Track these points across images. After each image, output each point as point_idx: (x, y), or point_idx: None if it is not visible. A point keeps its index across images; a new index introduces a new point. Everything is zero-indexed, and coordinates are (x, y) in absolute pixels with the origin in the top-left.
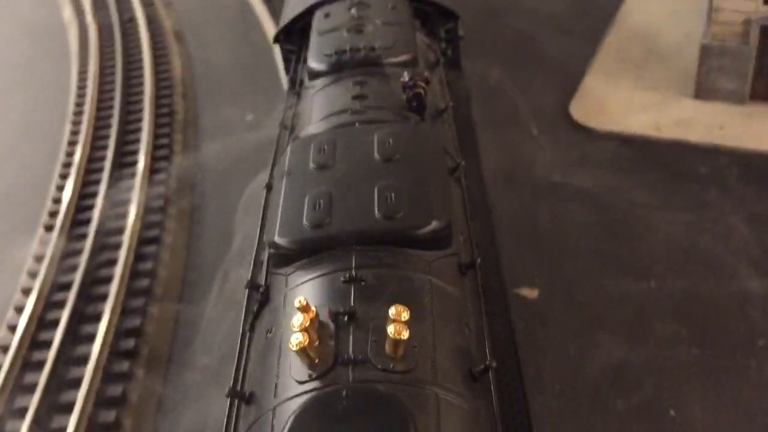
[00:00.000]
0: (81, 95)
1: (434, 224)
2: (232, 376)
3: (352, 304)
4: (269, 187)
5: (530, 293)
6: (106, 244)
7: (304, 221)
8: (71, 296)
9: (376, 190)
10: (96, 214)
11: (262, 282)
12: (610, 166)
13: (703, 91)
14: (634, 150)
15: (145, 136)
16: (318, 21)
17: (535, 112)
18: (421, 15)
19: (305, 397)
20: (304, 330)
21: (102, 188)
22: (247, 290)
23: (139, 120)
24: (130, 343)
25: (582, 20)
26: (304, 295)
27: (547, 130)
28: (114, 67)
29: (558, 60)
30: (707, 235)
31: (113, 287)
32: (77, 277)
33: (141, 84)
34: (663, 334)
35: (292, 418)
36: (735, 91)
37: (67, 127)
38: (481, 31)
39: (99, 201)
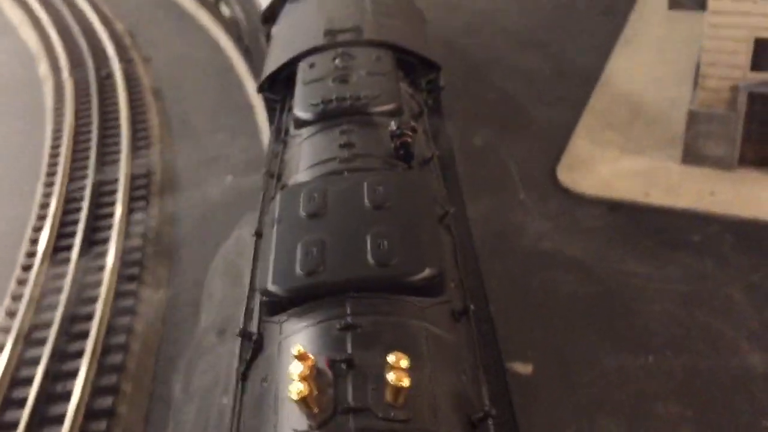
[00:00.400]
0: (55, 154)
1: (427, 271)
2: (228, 426)
3: (349, 351)
4: (258, 235)
5: (524, 368)
6: (76, 315)
7: (298, 269)
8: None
9: (368, 237)
10: (66, 283)
11: (254, 330)
12: (601, 233)
13: (691, 156)
14: (624, 216)
15: (120, 196)
16: (303, 71)
17: (522, 175)
18: (403, 66)
19: None
20: (303, 379)
21: (73, 260)
22: (239, 338)
23: (115, 180)
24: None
25: (564, 82)
26: (299, 342)
27: (535, 195)
28: (90, 124)
29: (542, 122)
30: (705, 308)
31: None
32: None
33: (117, 143)
34: (666, 415)
35: None
36: (723, 156)
37: (39, 188)
38: (464, 93)
39: (68, 276)
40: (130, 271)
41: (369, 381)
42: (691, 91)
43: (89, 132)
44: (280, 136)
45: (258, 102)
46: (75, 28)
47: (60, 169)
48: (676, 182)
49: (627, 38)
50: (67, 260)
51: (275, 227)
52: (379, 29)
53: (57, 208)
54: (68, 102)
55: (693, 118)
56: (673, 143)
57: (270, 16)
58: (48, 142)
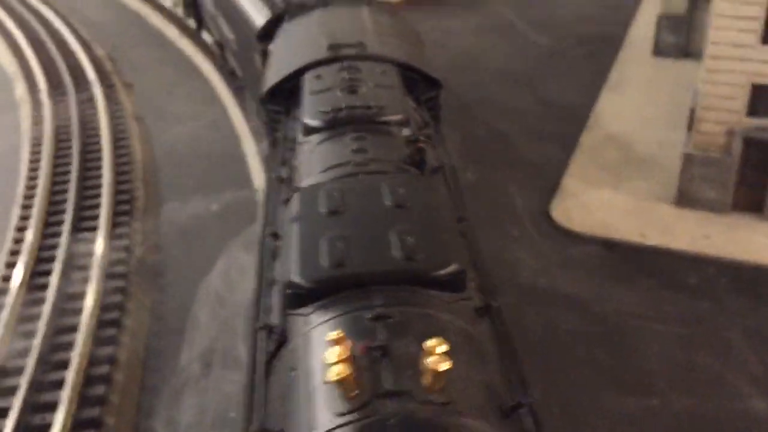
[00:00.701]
0: (33, 177)
1: (452, 266)
2: (254, 415)
3: (382, 339)
4: (274, 235)
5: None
6: (50, 360)
7: (323, 261)
8: None
9: (392, 233)
10: (46, 309)
11: (275, 322)
12: (597, 272)
13: (684, 199)
14: (619, 256)
15: (103, 222)
16: (309, 82)
17: (515, 213)
18: (406, 82)
19: (347, 429)
20: (341, 362)
21: (54, 279)
22: (259, 332)
23: (97, 206)
24: None
25: (553, 120)
26: (329, 333)
27: (529, 233)
28: (70, 148)
29: (533, 160)
30: (705, 351)
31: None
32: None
33: (99, 167)
34: None
35: None
36: (717, 200)
37: (15, 211)
38: (454, 130)
39: (50, 295)
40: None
41: (406, 367)
42: (679, 134)
43: (69, 156)
44: (286, 143)
45: (244, 132)
46: (53, 51)
47: (39, 192)
48: (670, 224)
49: (613, 81)
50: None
51: (296, 224)
52: (382, 46)
53: (38, 227)
54: (47, 124)
55: (688, 161)
56: (664, 185)
57: (266, 34)
58: (25, 166)
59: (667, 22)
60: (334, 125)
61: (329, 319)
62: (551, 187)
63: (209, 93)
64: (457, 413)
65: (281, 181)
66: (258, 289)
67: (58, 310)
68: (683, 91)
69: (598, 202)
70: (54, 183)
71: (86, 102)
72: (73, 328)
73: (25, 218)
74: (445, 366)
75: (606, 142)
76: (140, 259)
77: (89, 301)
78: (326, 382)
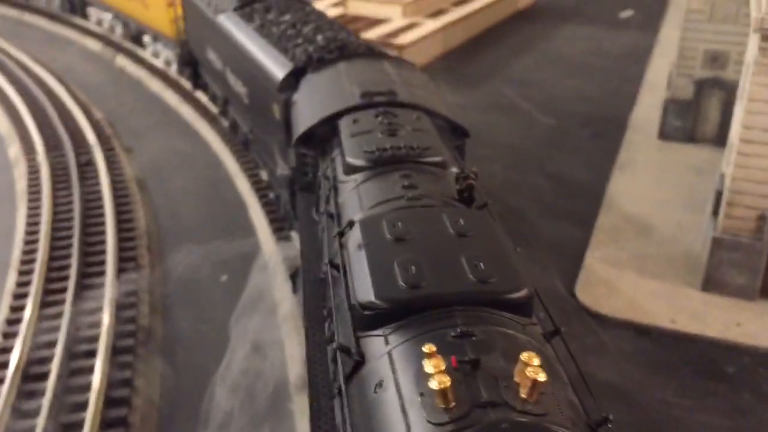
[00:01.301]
0: (31, 240)
1: (525, 290)
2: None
3: (470, 355)
4: (333, 265)
5: None
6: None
7: (398, 283)
8: None
9: (462, 258)
10: (49, 385)
11: (348, 344)
12: (633, 358)
13: (711, 283)
14: (653, 342)
15: (107, 293)
16: (346, 126)
17: (539, 294)
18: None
19: None
20: (440, 373)
21: (57, 360)
22: (335, 353)
23: (102, 273)
24: None
25: (567, 199)
26: (412, 351)
27: (556, 316)
28: (71, 211)
29: (552, 239)
30: None
31: None
32: None
33: (102, 232)
34: None
35: None
36: (745, 286)
37: (12, 277)
38: None
39: (53, 370)
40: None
41: (499, 379)
42: (697, 217)
43: (70, 219)
44: (325, 183)
45: (250, 199)
46: (50, 111)
47: (39, 256)
48: (700, 310)
49: (623, 162)
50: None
51: (362, 251)
52: (411, 94)
53: (37, 292)
54: (45, 187)
55: (717, 245)
56: (689, 268)
57: (287, 85)
58: (21, 228)
59: (673, 106)
60: (378, 164)
61: (412, 338)
62: (573, 267)
63: (211, 157)
64: (556, 424)
65: (330, 217)
66: (328, 314)
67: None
68: (693, 174)
69: (624, 285)
70: (53, 248)
71: (85, 165)
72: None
73: (24, 284)
74: (542, 377)
75: (624, 222)
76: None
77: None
78: (422, 395)
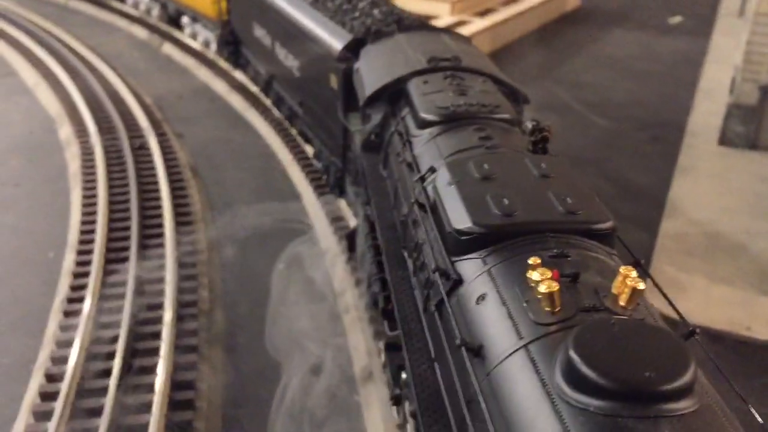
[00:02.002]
0: (89, 221)
1: (611, 222)
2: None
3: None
4: (419, 204)
5: None
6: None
7: (495, 211)
8: None
9: (550, 193)
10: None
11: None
12: (708, 364)
13: None
14: (728, 349)
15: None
16: (417, 86)
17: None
18: None
19: (560, 334)
20: (547, 280)
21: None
22: (426, 281)
23: (162, 257)
24: None
25: (629, 202)
26: (512, 269)
27: None
28: (127, 194)
29: (617, 244)
30: None
31: None
32: None
33: (159, 216)
34: None
35: (571, 339)
36: None
37: (70, 257)
38: None
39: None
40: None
41: (599, 290)
42: (765, 225)
43: (127, 202)
44: (400, 137)
45: (305, 189)
46: (101, 94)
47: (97, 237)
48: None
49: (683, 167)
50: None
51: (453, 187)
52: (474, 62)
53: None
54: (100, 168)
55: None
56: (760, 275)
57: (345, 56)
58: (77, 209)
59: (736, 111)
60: (452, 119)
61: (511, 257)
62: (640, 271)
63: (263, 147)
64: (659, 328)
65: (409, 167)
66: (415, 248)
67: None
68: (758, 182)
69: (694, 291)
70: (111, 229)
71: (138, 149)
72: None
73: (82, 263)
74: (642, 285)
75: (690, 228)
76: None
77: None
78: (528, 302)
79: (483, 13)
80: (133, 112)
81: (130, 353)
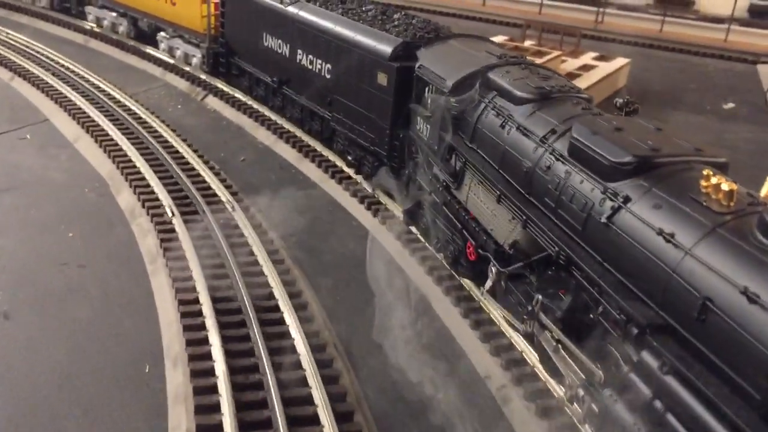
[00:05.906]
0: (191, 323)
1: (724, 159)
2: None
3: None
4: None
5: None
6: None
7: (643, 146)
8: None
9: (674, 138)
10: None
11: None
12: None
13: None
14: None
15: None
16: (501, 75)
17: None
18: None
19: (741, 219)
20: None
21: None
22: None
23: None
24: None
25: None
26: (675, 184)
27: None
28: (230, 277)
29: None
30: None
31: None
32: None
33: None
34: None
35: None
36: None
37: (175, 373)
38: None
39: None
40: None
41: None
42: None
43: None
44: (469, 129)
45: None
46: (160, 153)
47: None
48: None
49: None
50: None
51: (598, 136)
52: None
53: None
54: (189, 252)
55: None
56: None
57: (396, 57)
58: (167, 304)
59: None
60: (544, 97)
61: (668, 178)
62: None
63: (359, 228)
64: None
65: (524, 134)
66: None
67: None
68: None
69: None
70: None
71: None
72: None
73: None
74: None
75: None
76: None
77: None
78: (703, 202)
79: None
80: (204, 177)
81: None
